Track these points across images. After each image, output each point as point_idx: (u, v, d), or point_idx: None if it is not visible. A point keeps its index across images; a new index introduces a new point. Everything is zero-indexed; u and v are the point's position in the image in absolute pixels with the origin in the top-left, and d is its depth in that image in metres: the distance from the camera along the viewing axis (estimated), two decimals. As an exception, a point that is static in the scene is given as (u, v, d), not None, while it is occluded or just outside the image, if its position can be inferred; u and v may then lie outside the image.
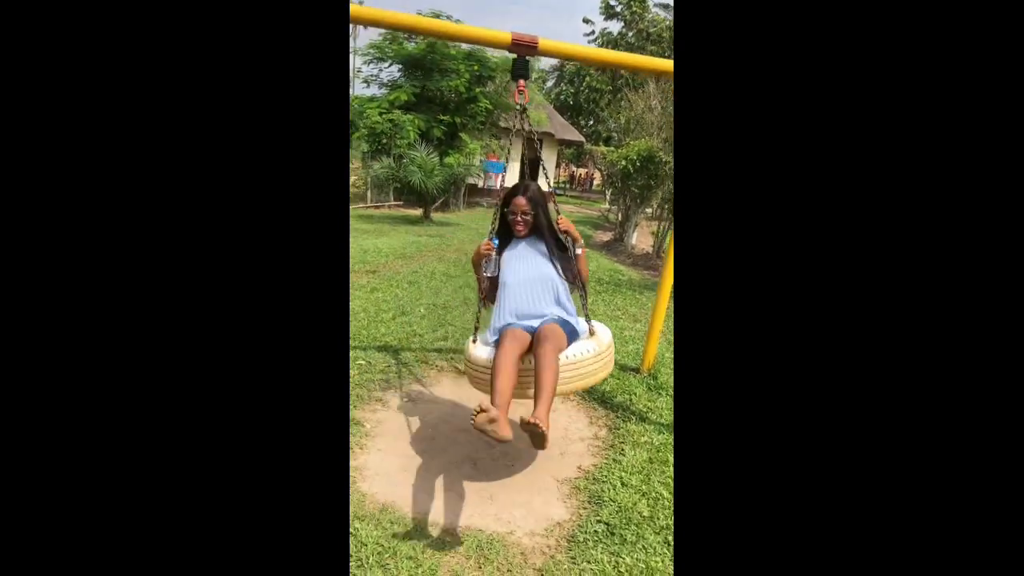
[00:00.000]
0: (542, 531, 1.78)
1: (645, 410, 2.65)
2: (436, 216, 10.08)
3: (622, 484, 2.03)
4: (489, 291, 2.13)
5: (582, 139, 17.52)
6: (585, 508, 1.91)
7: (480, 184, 14.19)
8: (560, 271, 2.05)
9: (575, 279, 2.08)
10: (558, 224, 2.08)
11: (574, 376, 1.95)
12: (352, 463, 2.05)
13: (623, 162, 7.29)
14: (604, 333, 2.10)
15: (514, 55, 2.07)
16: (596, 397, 2.78)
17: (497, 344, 1.92)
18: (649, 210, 8.68)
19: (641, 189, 7.42)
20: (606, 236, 9.56)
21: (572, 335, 2.00)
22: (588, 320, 2.11)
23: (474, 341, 2.08)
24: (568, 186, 23.65)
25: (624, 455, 2.23)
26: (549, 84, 23.75)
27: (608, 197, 14.34)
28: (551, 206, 2.14)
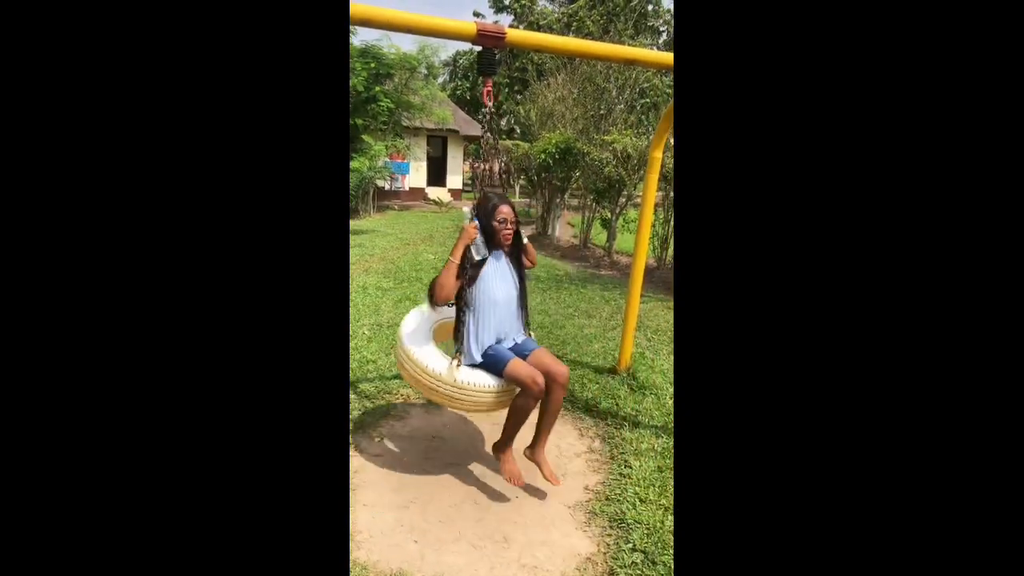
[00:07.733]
0: (574, 572, 1.62)
1: (634, 413, 2.56)
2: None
3: (640, 501, 1.91)
4: (459, 291, 1.93)
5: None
6: (610, 535, 1.77)
7: (387, 187, 13.63)
8: (523, 291, 2.07)
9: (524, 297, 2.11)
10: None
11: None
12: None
13: (542, 155, 7.22)
14: None
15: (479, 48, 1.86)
16: (580, 406, 2.66)
17: (501, 373, 1.87)
18: (574, 201, 8.70)
19: (562, 181, 7.41)
20: (527, 231, 9.49)
21: None
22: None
23: (458, 365, 1.88)
24: (473, 183, 23.46)
25: (631, 467, 2.12)
26: (442, 79, 23.30)
27: (518, 191, 14.31)
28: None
